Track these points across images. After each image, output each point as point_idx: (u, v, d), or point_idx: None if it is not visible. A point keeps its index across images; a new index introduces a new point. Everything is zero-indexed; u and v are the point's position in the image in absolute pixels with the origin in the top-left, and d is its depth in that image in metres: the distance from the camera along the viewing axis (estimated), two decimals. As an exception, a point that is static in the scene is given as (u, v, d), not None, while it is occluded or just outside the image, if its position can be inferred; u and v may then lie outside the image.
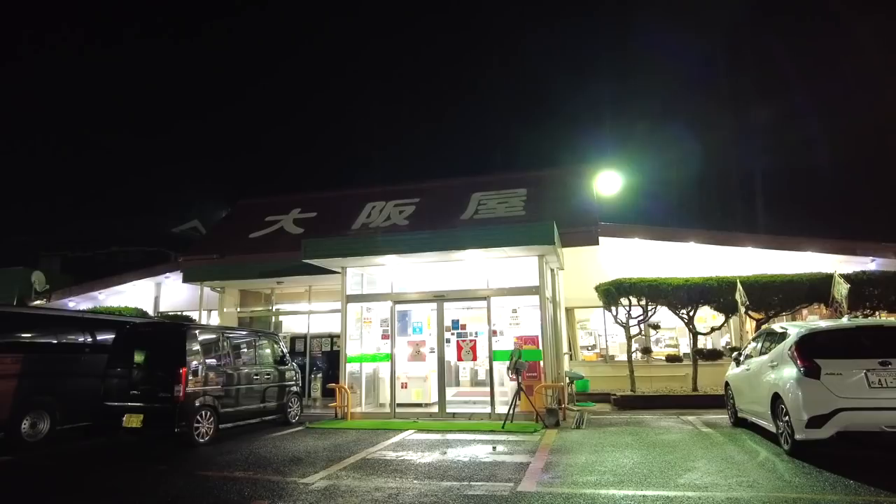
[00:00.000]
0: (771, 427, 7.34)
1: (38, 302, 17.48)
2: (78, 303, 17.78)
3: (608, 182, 14.85)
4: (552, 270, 12.16)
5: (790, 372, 6.78)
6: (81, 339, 9.81)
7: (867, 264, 12.79)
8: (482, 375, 14.53)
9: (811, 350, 6.67)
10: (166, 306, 17.43)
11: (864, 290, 10.79)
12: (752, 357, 8.59)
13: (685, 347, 14.42)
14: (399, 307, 11.89)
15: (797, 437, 6.44)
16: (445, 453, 7.53)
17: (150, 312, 16.60)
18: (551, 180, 15.36)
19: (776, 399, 7.04)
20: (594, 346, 15.41)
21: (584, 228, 12.44)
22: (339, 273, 12.36)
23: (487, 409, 10.95)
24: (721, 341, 14.15)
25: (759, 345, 8.39)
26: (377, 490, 5.74)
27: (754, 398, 8.02)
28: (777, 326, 8.37)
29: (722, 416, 9.94)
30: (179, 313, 15.88)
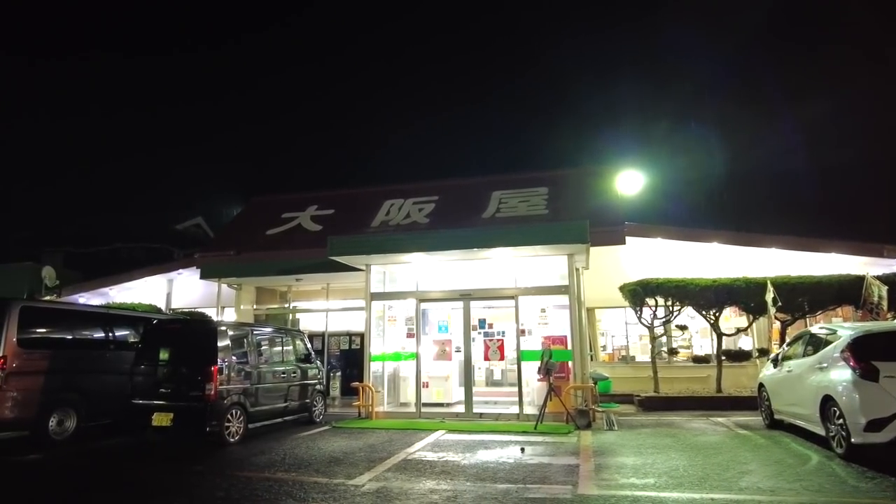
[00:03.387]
0: (817, 430, 7.23)
1: (47, 298, 17.23)
2: (88, 299, 17.53)
3: (629, 181, 14.74)
4: (577, 270, 12.03)
5: (843, 374, 6.66)
6: (107, 336, 9.61)
7: (893, 266, 12.70)
8: (498, 375, 14.43)
9: (866, 352, 6.56)
10: (178, 303, 17.21)
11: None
12: (791, 359, 8.49)
13: (698, 349, 14.35)
14: (424, 305, 11.73)
15: (853, 440, 6.32)
16: (486, 455, 7.39)
17: (163, 309, 16.39)
18: (572, 179, 15.23)
19: (827, 401, 6.92)
20: (604, 347, 15.30)
21: (610, 228, 12.30)
22: (358, 271, 12.21)
23: (511, 410, 10.83)
24: (737, 343, 14.02)
25: (801, 347, 8.28)
26: (432, 492, 5.59)
27: (797, 400, 7.90)
28: (820, 328, 8.26)
29: (752, 418, 9.84)
30: (194, 310, 15.68)
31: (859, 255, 12.79)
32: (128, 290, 17.31)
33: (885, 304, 10.29)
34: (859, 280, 11.09)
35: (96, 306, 12.88)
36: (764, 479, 5.79)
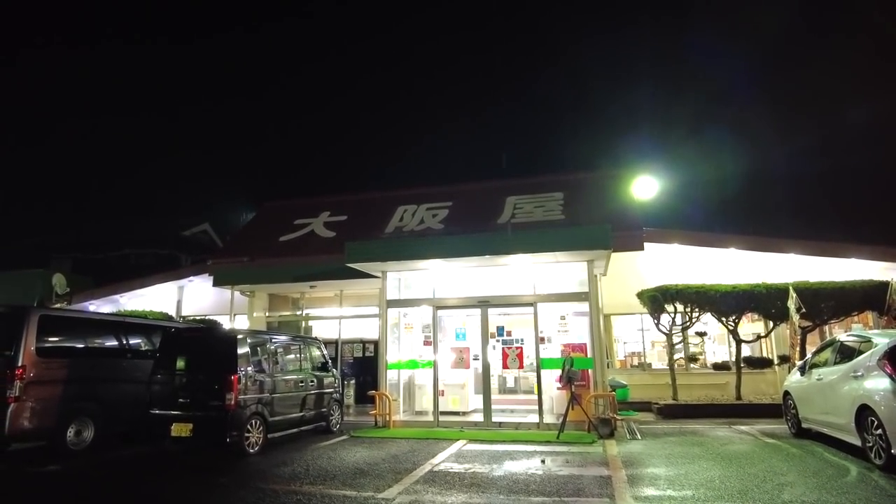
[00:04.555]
0: (851, 439, 7.08)
1: (58, 305, 17.15)
2: (98, 306, 17.47)
3: (645, 186, 14.61)
4: (596, 276, 11.91)
5: (881, 383, 6.52)
6: (124, 344, 9.51)
7: (914, 272, 12.54)
8: (511, 383, 14.28)
9: (905, 361, 6.41)
10: (189, 310, 17.12)
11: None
12: (820, 366, 8.34)
13: (711, 355, 14.19)
14: (440, 313, 11.60)
15: (894, 451, 6.17)
16: (514, 466, 7.25)
17: (173, 316, 16.29)
18: (587, 184, 15.12)
19: (863, 410, 6.77)
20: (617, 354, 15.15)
21: (628, 233, 12.17)
22: (372, 278, 12.09)
23: (529, 418, 10.68)
24: (754, 350, 13.87)
25: (831, 354, 8.13)
26: (466, 506, 5.46)
27: (829, 409, 7.74)
28: (849, 335, 8.13)
29: (776, 426, 9.67)
30: (205, 318, 15.58)
31: (880, 261, 12.63)
32: (139, 298, 17.21)
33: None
34: (883, 286, 10.94)
35: (113, 314, 12.79)
36: (806, 491, 5.64)
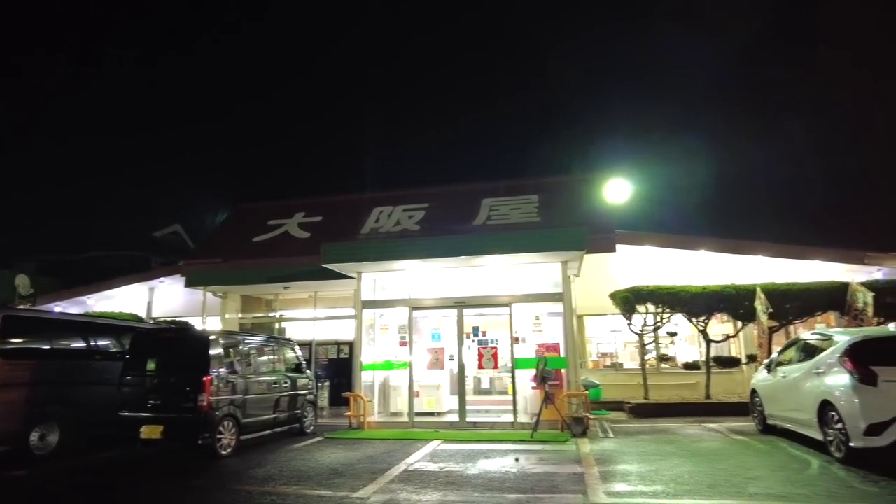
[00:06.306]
0: (814, 434, 7.32)
1: (21, 307, 16.65)
2: (65, 307, 17.01)
3: (618, 190, 14.86)
4: (569, 277, 12.07)
5: (842, 379, 6.76)
6: (93, 345, 9.30)
7: (873, 273, 13.02)
8: (486, 383, 14.36)
9: (864, 357, 6.66)
10: (160, 312, 16.81)
11: (883, 298, 10.92)
12: (785, 364, 8.59)
13: (681, 355, 14.48)
14: (416, 314, 11.62)
15: (853, 444, 6.40)
16: (489, 464, 7.30)
17: (143, 318, 15.97)
18: (562, 187, 15.31)
19: (825, 406, 7.01)
20: (590, 355, 15.35)
21: (602, 235, 12.38)
22: (347, 279, 12.03)
23: (504, 418, 10.76)
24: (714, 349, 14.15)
25: (795, 353, 8.39)
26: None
27: (794, 405, 7.99)
28: (813, 334, 8.40)
29: (744, 424, 9.92)
30: (176, 319, 15.31)
31: (842, 263, 13.08)
32: (107, 299, 16.84)
33: (869, 310, 10.53)
34: (845, 287, 11.33)
35: (82, 315, 12.48)
36: (773, 484, 5.81)
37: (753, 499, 5.31)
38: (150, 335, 9.25)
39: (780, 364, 8.81)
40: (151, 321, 15.97)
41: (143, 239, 28.79)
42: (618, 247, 13.32)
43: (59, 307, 16.94)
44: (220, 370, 8.42)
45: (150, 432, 7.99)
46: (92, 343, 9.31)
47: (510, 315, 10.86)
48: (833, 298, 11.48)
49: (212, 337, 8.70)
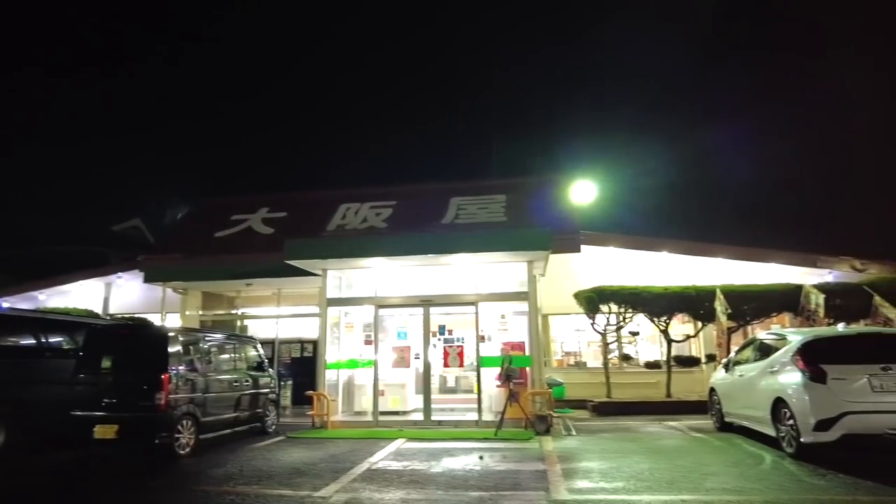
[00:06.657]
0: (768, 431, 7.55)
1: (-34, 302, 15.90)
2: (14, 303, 16.29)
3: (583, 191, 15.08)
4: (535, 277, 12.17)
5: (794, 377, 6.99)
6: (42, 342, 8.93)
7: (825, 276, 13.51)
8: (451, 382, 14.36)
9: (815, 356, 6.90)
10: (116, 308, 16.28)
11: (833, 300, 11.35)
12: (742, 363, 8.84)
13: (641, 354, 14.77)
14: (382, 312, 11.54)
15: (803, 440, 6.63)
16: (453, 462, 7.30)
17: (99, 314, 15.45)
18: (529, 188, 15.40)
19: (778, 403, 7.24)
20: (555, 353, 15.52)
21: (567, 236, 12.52)
22: (312, 276, 11.87)
23: (469, 417, 10.78)
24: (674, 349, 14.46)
25: (751, 352, 8.64)
26: (404, 502, 5.46)
27: (750, 403, 8.22)
28: (769, 334, 8.66)
29: (703, 422, 10.16)
30: (134, 315, 14.85)
31: (797, 265, 13.53)
32: (61, 295, 16.23)
33: (821, 311, 10.91)
34: (799, 289, 11.72)
35: (31, 310, 11.96)
36: (728, 479, 5.97)
37: (710, 493, 5.44)
38: (106, 332, 8.93)
39: (737, 363, 9.05)
40: (108, 317, 15.45)
41: (102, 234, 27.85)
42: (583, 247, 13.49)
43: (6, 303, 16.22)
44: (179, 368, 8.19)
45: (103, 432, 7.73)
46: (42, 340, 8.94)
47: (476, 314, 10.89)
48: (788, 300, 11.86)
49: (170, 334, 8.47)
